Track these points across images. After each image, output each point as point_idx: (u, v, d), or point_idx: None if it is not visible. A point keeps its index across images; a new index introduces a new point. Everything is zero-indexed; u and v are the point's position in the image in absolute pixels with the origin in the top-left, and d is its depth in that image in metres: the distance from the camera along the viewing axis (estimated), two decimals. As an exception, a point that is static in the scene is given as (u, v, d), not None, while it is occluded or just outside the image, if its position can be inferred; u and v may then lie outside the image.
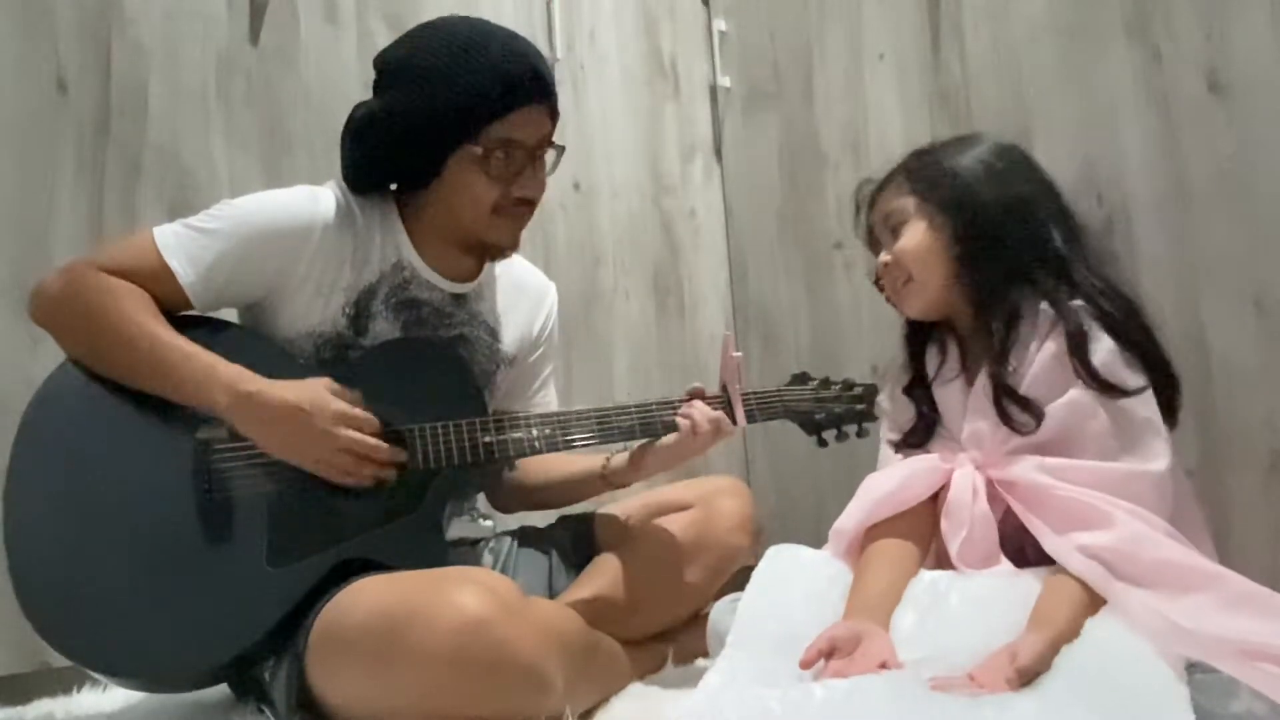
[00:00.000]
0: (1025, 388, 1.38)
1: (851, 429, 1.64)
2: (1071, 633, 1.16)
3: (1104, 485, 1.30)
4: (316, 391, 1.39)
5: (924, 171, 1.49)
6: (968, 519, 1.35)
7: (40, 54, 1.81)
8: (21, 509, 1.36)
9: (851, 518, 1.43)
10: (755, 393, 1.61)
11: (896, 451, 1.51)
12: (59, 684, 1.66)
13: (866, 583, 1.34)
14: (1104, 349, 1.37)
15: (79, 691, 1.65)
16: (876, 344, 2.37)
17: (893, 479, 1.42)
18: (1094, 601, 1.21)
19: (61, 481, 1.38)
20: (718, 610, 1.44)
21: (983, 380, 1.43)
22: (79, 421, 1.42)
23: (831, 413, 1.63)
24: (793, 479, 2.50)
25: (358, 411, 1.40)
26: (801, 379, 1.67)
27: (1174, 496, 1.33)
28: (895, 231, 1.49)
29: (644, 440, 1.55)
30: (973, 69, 2.19)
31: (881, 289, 1.54)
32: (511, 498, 1.74)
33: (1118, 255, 1.49)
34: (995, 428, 1.40)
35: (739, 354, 1.59)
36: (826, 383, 1.66)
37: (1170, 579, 1.21)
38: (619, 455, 1.60)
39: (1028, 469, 1.35)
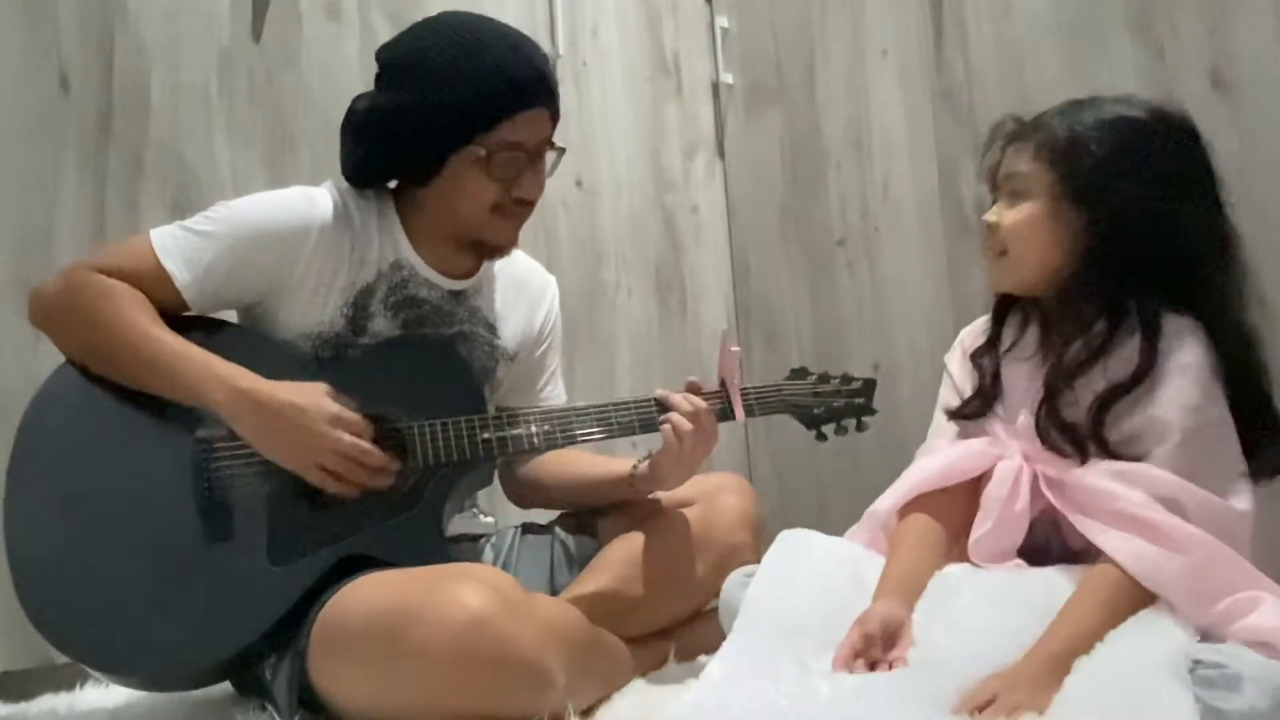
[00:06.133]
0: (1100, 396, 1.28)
1: (850, 423, 1.63)
2: (1082, 647, 1.13)
3: (1179, 505, 1.20)
4: (314, 393, 1.40)
5: (1069, 150, 1.31)
6: (996, 512, 1.29)
7: (43, 52, 1.81)
8: (22, 508, 1.36)
9: (888, 498, 1.39)
10: (754, 388, 1.61)
11: (950, 420, 1.43)
12: (62, 680, 1.66)
13: (898, 564, 1.31)
14: (1188, 354, 1.26)
15: (82, 688, 1.65)
16: (879, 341, 2.37)
17: (938, 462, 1.37)
18: (1121, 608, 1.16)
19: (62, 480, 1.38)
20: (730, 584, 1.42)
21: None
22: (79, 421, 1.42)
23: (830, 407, 1.63)
24: (795, 475, 2.51)
25: (354, 415, 1.40)
26: (800, 374, 1.67)
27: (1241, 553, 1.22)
28: (1014, 196, 1.35)
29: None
30: (975, 66, 2.19)
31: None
32: (532, 494, 1.73)
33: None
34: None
35: (737, 349, 1.59)
36: (825, 377, 1.66)
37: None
38: (645, 464, 1.60)
39: (1091, 475, 1.26)
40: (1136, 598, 1.17)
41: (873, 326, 2.40)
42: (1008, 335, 1.42)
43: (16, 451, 1.39)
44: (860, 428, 1.64)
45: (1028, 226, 1.33)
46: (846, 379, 1.66)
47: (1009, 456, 1.33)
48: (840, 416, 1.63)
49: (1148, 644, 1.12)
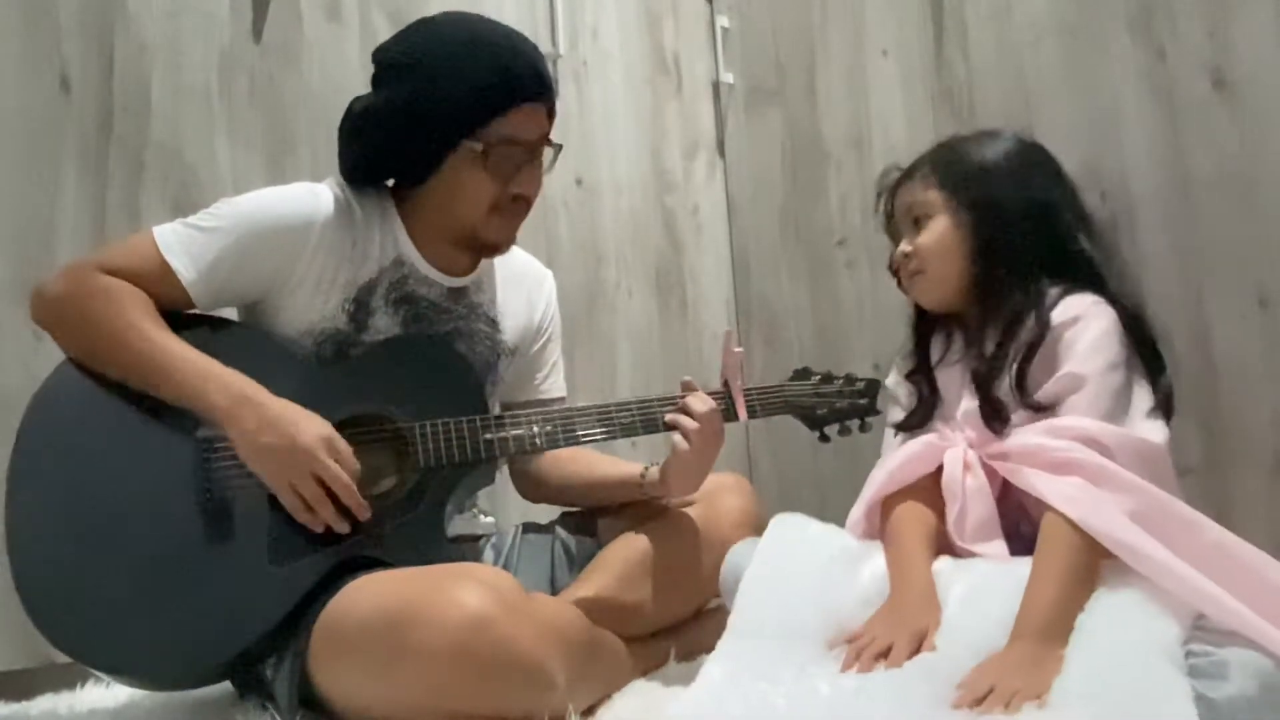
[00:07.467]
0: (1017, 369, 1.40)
1: (854, 424, 1.64)
2: (1059, 615, 1.17)
3: (1100, 445, 1.29)
4: (314, 416, 1.39)
5: (953, 167, 1.50)
6: (960, 493, 1.38)
7: (43, 52, 1.81)
8: (23, 508, 1.36)
9: (859, 507, 1.47)
10: (757, 388, 1.61)
11: (897, 434, 1.53)
12: (63, 680, 1.66)
13: (904, 563, 1.35)
14: (1097, 325, 1.38)
15: (83, 688, 1.65)
16: (879, 340, 2.37)
17: (892, 462, 1.45)
18: (1078, 564, 1.21)
19: (63, 480, 1.38)
20: (735, 551, 1.46)
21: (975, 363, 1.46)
22: (80, 420, 1.42)
23: (833, 407, 1.64)
24: (796, 475, 2.51)
25: (346, 446, 1.38)
26: (803, 374, 1.67)
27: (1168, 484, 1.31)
28: (917, 223, 1.50)
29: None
30: (976, 66, 2.18)
31: (896, 275, 1.56)
32: (539, 490, 1.74)
33: (1125, 258, 1.51)
34: None
35: (740, 349, 1.59)
36: (828, 378, 1.66)
37: (1178, 534, 1.20)
38: (654, 469, 1.60)
39: (1021, 436, 1.36)
40: (1089, 550, 1.21)
41: (872, 325, 2.40)
42: (936, 350, 1.54)
43: (17, 451, 1.39)
44: (864, 428, 1.65)
45: (938, 240, 1.48)
46: (850, 379, 1.66)
47: (954, 445, 1.43)
48: (844, 417, 1.64)
49: (1145, 632, 1.13)
